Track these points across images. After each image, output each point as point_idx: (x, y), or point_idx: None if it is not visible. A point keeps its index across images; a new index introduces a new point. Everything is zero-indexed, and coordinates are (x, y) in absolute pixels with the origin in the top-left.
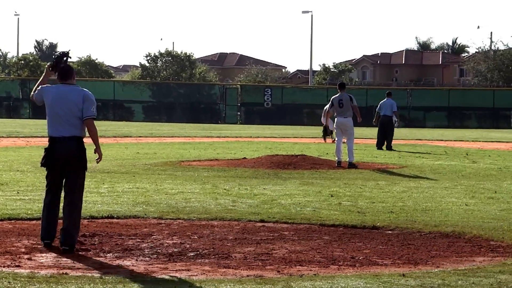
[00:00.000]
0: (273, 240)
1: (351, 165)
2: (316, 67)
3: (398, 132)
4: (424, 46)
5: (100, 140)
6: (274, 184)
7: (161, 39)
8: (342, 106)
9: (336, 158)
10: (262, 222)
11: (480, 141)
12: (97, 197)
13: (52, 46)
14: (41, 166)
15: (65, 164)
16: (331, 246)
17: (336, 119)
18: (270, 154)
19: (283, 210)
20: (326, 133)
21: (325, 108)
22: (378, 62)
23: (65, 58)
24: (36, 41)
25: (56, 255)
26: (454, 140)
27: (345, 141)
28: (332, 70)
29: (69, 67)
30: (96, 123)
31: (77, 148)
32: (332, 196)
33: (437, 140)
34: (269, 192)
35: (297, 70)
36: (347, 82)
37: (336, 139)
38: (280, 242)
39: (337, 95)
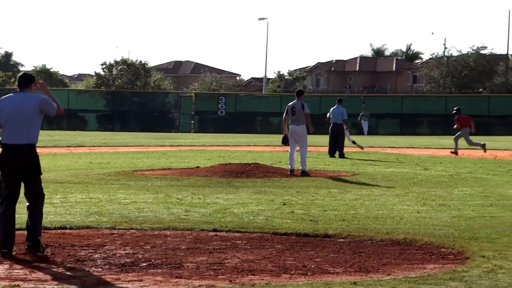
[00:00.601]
0: (226, 249)
1: (304, 173)
2: (271, 75)
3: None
4: (378, 53)
5: (54, 150)
6: (227, 193)
7: (117, 47)
8: (295, 114)
9: (289, 166)
10: (214, 231)
11: (432, 148)
12: (50, 207)
13: (8, 55)
14: None
15: (19, 172)
16: (283, 255)
17: (289, 126)
18: (223, 163)
19: (236, 219)
20: (286, 141)
21: None
22: (332, 69)
23: None
24: None
25: (8, 266)
26: (406, 147)
27: (298, 149)
28: (287, 77)
29: (27, 75)
30: (49, 132)
31: (30, 155)
32: (284, 204)
33: (389, 147)
34: (222, 201)
35: (252, 78)
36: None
37: (290, 146)
38: (232, 251)
39: (291, 102)
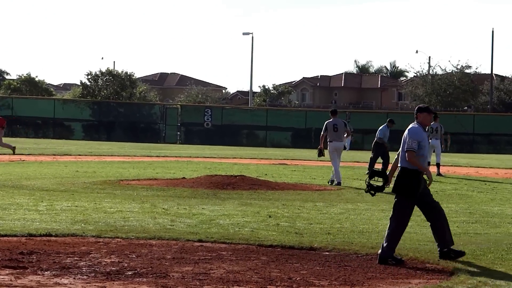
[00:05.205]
0: (211, 260)
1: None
2: (256, 89)
3: None
4: (363, 70)
5: (40, 158)
6: (213, 204)
7: (102, 58)
8: (337, 131)
9: (335, 180)
10: (200, 242)
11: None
12: (36, 214)
13: None
14: None
15: None
16: (268, 267)
17: (331, 142)
18: (209, 174)
19: (222, 230)
20: (321, 154)
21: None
22: (318, 84)
23: None
24: None
25: None
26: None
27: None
28: (272, 91)
29: None
30: (35, 140)
31: None
32: (270, 217)
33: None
34: (207, 212)
35: (237, 91)
36: (287, 104)
37: (333, 161)
38: (218, 262)
39: (330, 120)
